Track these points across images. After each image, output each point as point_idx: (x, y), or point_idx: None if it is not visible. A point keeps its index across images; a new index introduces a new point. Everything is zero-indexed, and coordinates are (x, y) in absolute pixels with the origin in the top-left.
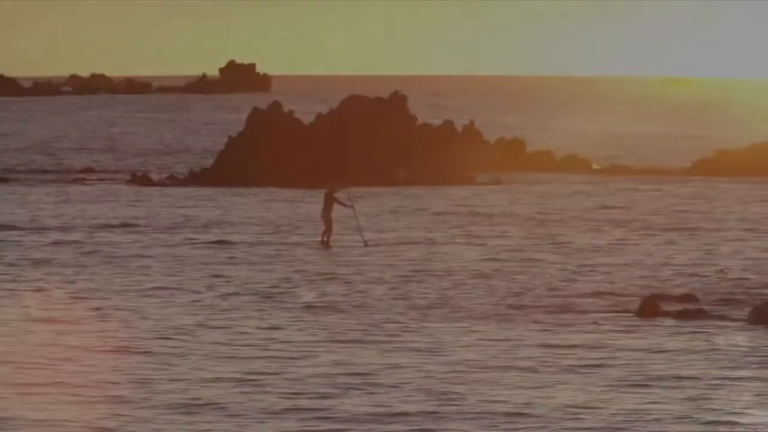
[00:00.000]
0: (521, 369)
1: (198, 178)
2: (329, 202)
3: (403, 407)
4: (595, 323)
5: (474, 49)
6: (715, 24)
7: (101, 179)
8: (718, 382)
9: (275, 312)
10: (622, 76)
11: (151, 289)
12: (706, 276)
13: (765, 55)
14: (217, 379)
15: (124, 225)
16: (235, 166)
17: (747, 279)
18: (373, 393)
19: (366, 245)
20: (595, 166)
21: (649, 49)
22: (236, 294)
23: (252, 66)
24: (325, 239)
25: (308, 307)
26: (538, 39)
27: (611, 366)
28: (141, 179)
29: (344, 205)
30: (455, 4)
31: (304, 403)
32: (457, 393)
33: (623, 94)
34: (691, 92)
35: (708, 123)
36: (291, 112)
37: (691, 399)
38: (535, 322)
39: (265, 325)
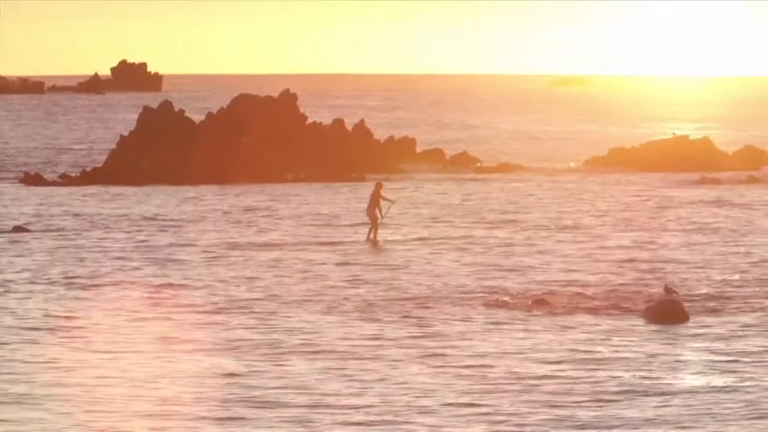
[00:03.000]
0: (390, 361)
1: (90, 177)
2: (375, 199)
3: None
4: (485, 320)
5: (370, 47)
6: (611, 22)
7: None
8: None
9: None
10: (517, 75)
11: None
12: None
13: (665, 52)
14: None
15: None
16: (127, 164)
17: (637, 276)
18: None
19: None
20: (485, 165)
21: (542, 48)
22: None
23: (143, 65)
24: (372, 237)
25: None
26: (433, 37)
27: (492, 366)
28: (33, 178)
29: (388, 200)
30: (354, 3)
31: None
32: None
33: (518, 92)
34: (587, 91)
35: (604, 121)
36: (182, 111)
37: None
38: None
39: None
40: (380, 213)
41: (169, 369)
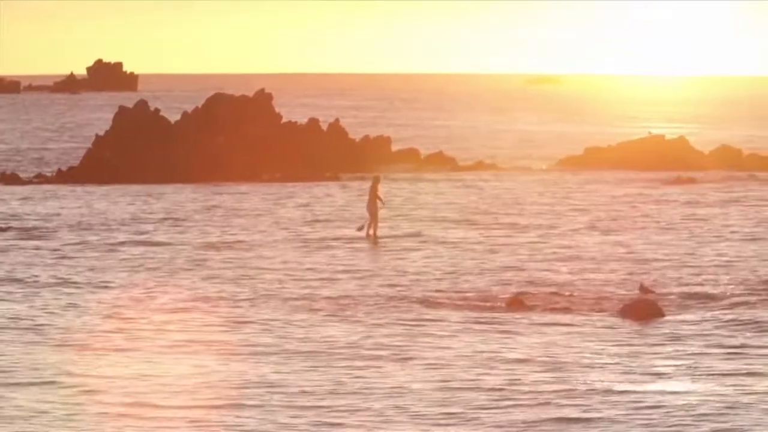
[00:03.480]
0: (367, 358)
1: (66, 177)
2: (373, 194)
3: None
4: (459, 320)
5: (346, 46)
6: (588, 22)
7: None
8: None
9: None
10: (492, 74)
11: None
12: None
13: (642, 52)
14: None
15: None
16: (103, 164)
17: (612, 276)
18: None
19: (357, 230)
20: (460, 164)
21: (513, 48)
22: None
23: (119, 65)
24: (371, 232)
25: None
26: (408, 37)
27: (466, 367)
28: (9, 178)
29: (380, 199)
30: (331, 3)
31: None
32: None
33: (493, 91)
34: (562, 90)
35: (580, 120)
36: (157, 111)
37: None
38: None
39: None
40: (381, 204)
41: (141, 368)
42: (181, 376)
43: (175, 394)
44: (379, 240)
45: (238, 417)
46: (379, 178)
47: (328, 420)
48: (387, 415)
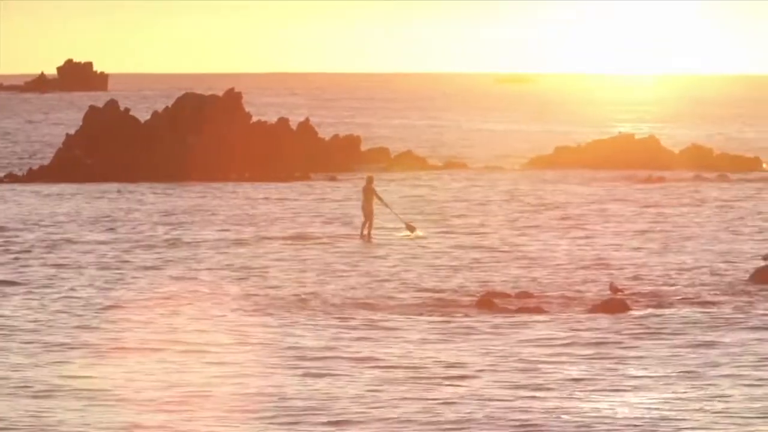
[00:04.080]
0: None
1: (36, 176)
2: (368, 193)
3: None
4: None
5: (316, 45)
6: (558, 21)
7: None
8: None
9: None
10: (461, 73)
11: None
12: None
13: (614, 51)
14: None
15: None
16: (73, 163)
17: (582, 275)
18: None
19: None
20: (430, 163)
21: (484, 47)
22: None
23: (89, 65)
24: (366, 232)
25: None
26: (378, 36)
27: (434, 367)
28: None
29: (379, 197)
30: (297, 3)
31: None
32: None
33: (462, 91)
34: (532, 89)
35: (550, 119)
36: (127, 110)
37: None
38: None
39: None
40: (384, 204)
41: (109, 368)
42: (148, 376)
43: (142, 392)
44: (373, 240)
45: (204, 418)
46: (372, 178)
47: (295, 423)
48: (352, 418)
